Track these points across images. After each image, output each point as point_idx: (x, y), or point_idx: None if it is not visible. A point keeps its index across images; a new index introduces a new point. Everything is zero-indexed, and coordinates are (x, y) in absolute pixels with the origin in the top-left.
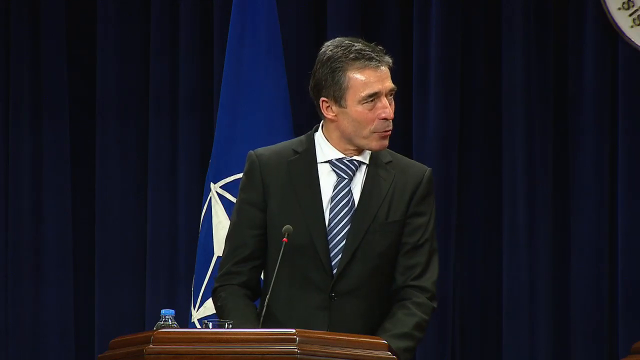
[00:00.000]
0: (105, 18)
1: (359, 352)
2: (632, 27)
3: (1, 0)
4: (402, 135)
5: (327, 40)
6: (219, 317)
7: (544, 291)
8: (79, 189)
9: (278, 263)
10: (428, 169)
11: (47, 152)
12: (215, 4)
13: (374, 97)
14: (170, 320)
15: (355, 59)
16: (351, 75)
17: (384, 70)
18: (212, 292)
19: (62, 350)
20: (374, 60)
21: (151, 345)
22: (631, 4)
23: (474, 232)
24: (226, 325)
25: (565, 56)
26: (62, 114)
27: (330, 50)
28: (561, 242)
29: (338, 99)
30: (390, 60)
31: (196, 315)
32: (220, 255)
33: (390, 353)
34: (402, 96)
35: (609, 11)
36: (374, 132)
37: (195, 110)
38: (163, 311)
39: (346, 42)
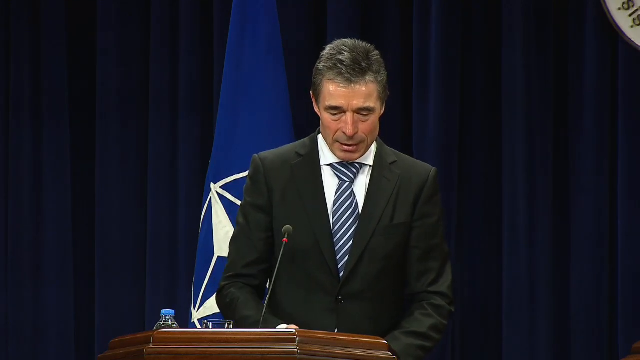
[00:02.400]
0: (106, 18)
1: (359, 352)
2: (632, 27)
3: (1, 0)
4: (402, 135)
5: (327, 40)
6: (227, 312)
7: (544, 291)
8: (79, 189)
9: (278, 263)
10: (433, 169)
11: (47, 152)
12: (215, 4)
13: (337, 110)
14: (170, 320)
15: (330, 68)
16: (324, 82)
17: (357, 88)
18: (218, 292)
19: (62, 350)
20: (344, 76)
21: (151, 345)
22: (631, 4)
23: (474, 232)
24: (226, 325)
25: (565, 56)
26: (62, 114)
27: (326, 49)
28: (561, 242)
29: (316, 98)
30: (374, 79)
31: (196, 315)
32: (221, 255)
33: (390, 353)
34: (402, 96)
35: (609, 11)
36: (336, 142)
37: (195, 110)
38: (163, 311)
39: (341, 47)
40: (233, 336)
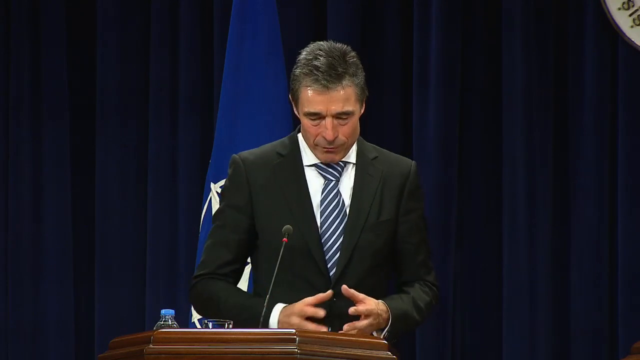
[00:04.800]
0: (105, 18)
1: (359, 352)
2: (632, 27)
3: (1, 0)
4: (402, 135)
5: (327, 40)
6: (208, 305)
7: (544, 291)
8: (79, 188)
9: (278, 264)
10: (413, 163)
11: (47, 152)
12: (215, 4)
13: (315, 116)
14: (170, 320)
15: (307, 74)
16: (302, 88)
17: (334, 93)
18: (190, 289)
19: (62, 350)
20: (321, 83)
21: (151, 345)
22: (631, 4)
23: (474, 232)
24: (226, 325)
25: (565, 56)
26: (62, 114)
27: (302, 54)
28: (561, 242)
29: (295, 103)
30: (351, 82)
31: (196, 315)
32: None
33: (390, 353)
34: (402, 96)
35: (609, 11)
36: (317, 146)
37: (195, 110)
38: (163, 311)
39: (316, 51)
40: (233, 336)
